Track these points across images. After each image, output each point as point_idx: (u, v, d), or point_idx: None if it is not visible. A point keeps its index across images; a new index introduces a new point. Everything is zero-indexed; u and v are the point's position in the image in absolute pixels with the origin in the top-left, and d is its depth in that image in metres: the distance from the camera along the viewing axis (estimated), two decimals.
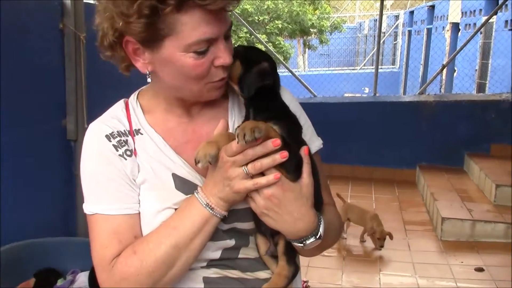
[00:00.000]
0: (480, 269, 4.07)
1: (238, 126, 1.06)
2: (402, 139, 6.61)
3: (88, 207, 1.17)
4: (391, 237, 4.44)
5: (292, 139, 1.12)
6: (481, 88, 10.66)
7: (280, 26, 16.22)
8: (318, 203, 1.19)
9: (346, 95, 10.09)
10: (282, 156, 1.06)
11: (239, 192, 1.09)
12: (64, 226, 3.41)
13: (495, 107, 6.43)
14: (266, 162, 1.06)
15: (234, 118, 1.26)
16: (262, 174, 1.08)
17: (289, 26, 16.47)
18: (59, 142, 3.42)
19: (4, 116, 2.90)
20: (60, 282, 2.88)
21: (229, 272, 1.21)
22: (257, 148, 1.05)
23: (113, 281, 1.13)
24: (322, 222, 1.14)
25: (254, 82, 1.14)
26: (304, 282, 3.69)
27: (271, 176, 1.07)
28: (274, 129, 1.09)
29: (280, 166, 1.08)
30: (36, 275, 2.85)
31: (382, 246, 4.43)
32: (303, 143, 1.19)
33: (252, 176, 1.07)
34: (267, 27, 16.16)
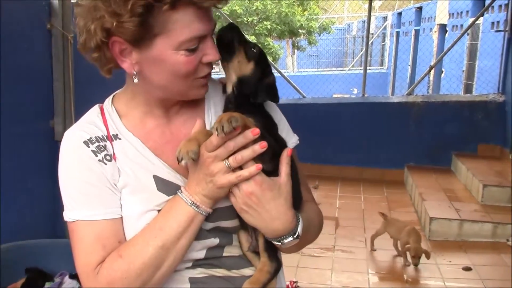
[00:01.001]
0: (467, 269, 4.11)
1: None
2: (390, 140, 6.65)
3: (69, 214, 1.16)
4: (427, 256, 4.05)
5: (267, 131, 1.15)
6: (468, 89, 10.74)
7: (269, 27, 16.22)
8: (297, 200, 1.22)
9: (335, 95, 10.12)
10: (261, 147, 1.08)
11: (222, 187, 1.10)
12: (52, 227, 3.39)
13: (482, 107, 6.50)
14: (247, 153, 1.07)
15: (210, 118, 1.27)
16: (241, 168, 1.10)
17: (278, 27, 16.47)
18: (47, 143, 3.39)
19: None
20: (48, 285, 2.85)
21: (215, 271, 1.21)
22: (238, 138, 1.06)
23: (99, 287, 1.11)
24: (300, 222, 1.16)
25: (265, 96, 1.19)
26: (294, 282, 3.70)
27: (253, 168, 1.08)
28: (249, 119, 1.11)
29: (257, 157, 1.09)
30: (27, 271, 2.82)
31: (416, 265, 4.04)
32: (280, 137, 1.22)
33: (234, 170, 1.09)
34: (256, 28, 16.15)
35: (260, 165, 1.09)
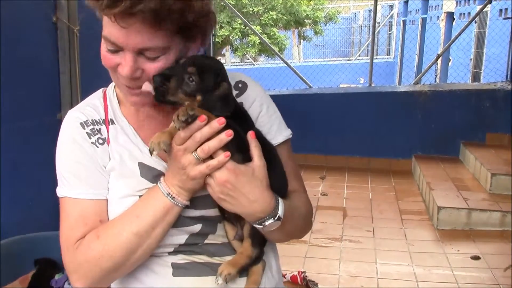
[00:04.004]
0: (476, 258, 4.10)
1: None
2: (397, 129, 6.62)
3: (59, 190, 1.24)
4: None
5: (238, 125, 1.15)
6: (476, 77, 10.67)
7: (274, 17, 16.14)
8: (282, 188, 1.24)
9: (341, 85, 10.08)
10: (227, 135, 1.09)
11: (195, 178, 1.12)
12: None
13: (490, 96, 6.45)
14: (213, 143, 1.09)
15: None
16: (212, 159, 1.12)
17: (284, 17, 16.39)
18: (54, 136, 3.39)
19: None
20: (58, 276, 2.88)
21: (196, 257, 1.23)
22: (204, 129, 1.08)
23: (76, 262, 1.18)
24: (280, 204, 1.17)
25: (217, 110, 1.12)
26: (302, 272, 3.70)
27: (222, 156, 1.10)
28: (209, 113, 1.10)
29: (225, 148, 1.10)
30: (37, 262, 2.84)
31: None
32: (257, 132, 1.22)
33: (204, 161, 1.11)
34: (262, 18, 16.08)
35: (228, 153, 1.10)
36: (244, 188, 1.13)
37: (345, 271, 3.95)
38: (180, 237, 1.21)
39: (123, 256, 1.15)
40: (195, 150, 1.10)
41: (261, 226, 1.16)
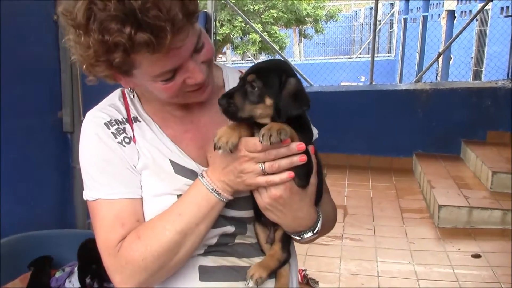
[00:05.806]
0: (477, 256, 4.10)
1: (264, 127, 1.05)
2: (398, 127, 6.62)
3: (89, 193, 1.19)
4: None
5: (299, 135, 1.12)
6: (477, 75, 10.67)
7: (275, 15, 16.13)
8: (318, 197, 1.22)
9: (342, 83, 10.07)
10: (301, 160, 1.07)
11: (249, 186, 1.11)
12: (62, 218, 3.41)
13: (491, 94, 6.44)
14: (284, 163, 1.07)
15: None
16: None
17: (285, 15, 16.38)
18: (55, 135, 3.40)
19: None
20: (58, 274, 2.88)
21: (226, 259, 1.22)
22: (282, 150, 1.06)
23: (119, 265, 1.14)
24: (320, 218, 1.19)
25: (292, 109, 1.09)
26: (303, 270, 3.71)
27: (285, 175, 1.08)
28: (295, 133, 1.08)
29: (292, 170, 1.08)
30: (32, 264, 2.83)
31: None
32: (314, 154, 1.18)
33: (265, 173, 1.08)
34: (262, 16, 16.07)
35: (292, 173, 1.08)
36: (294, 206, 1.13)
37: (345, 269, 3.95)
38: (212, 238, 1.19)
39: (167, 256, 1.12)
40: (263, 162, 1.07)
41: (299, 238, 1.18)
